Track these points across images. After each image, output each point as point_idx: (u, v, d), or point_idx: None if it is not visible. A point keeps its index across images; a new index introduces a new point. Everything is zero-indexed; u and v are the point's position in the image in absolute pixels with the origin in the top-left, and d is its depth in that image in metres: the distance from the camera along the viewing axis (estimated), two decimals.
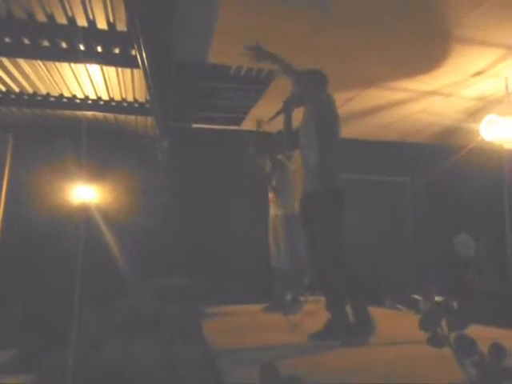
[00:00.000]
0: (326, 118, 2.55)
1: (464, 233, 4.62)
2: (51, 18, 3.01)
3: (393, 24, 3.26)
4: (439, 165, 5.78)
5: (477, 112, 4.88)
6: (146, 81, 3.59)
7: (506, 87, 4.17)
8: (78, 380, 1.23)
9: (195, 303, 3.06)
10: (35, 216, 4.77)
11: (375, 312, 2.50)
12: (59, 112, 4.70)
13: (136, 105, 4.67)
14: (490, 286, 4.32)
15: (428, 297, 3.73)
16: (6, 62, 3.57)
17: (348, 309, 2.46)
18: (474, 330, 1.10)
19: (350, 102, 4.75)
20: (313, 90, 2.66)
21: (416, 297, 3.93)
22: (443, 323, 1.16)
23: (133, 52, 3.32)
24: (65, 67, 3.72)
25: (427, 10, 3.09)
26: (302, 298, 3.96)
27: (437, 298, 3.93)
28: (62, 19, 3.03)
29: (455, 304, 3.24)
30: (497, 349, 1.31)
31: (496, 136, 4.08)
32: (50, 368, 1.59)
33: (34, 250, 4.84)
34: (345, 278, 2.45)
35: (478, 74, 4.09)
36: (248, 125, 5.35)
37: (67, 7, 2.88)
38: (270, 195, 4.03)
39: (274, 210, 3.99)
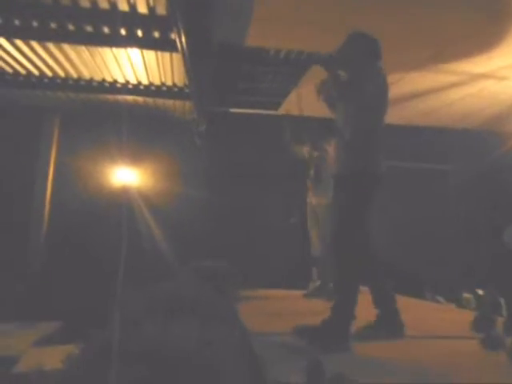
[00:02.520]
0: (375, 97, 2.29)
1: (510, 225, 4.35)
2: (94, 3, 3.05)
3: (442, 2, 3.05)
4: (488, 153, 5.46)
5: None
6: (185, 65, 3.59)
7: None
8: (120, 355, 1.27)
9: (233, 286, 3.09)
10: (80, 195, 4.99)
11: (414, 303, 2.41)
12: (102, 96, 4.82)
13: (175, 89, 4.71)
14: None
15: (487, 295, 3.56)
16: (51, 47, 3.67)
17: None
18: None
19: (392, 85, 4.53)
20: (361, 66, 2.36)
21: (465, 294, 3.76)
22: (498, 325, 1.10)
23: (172, 36, 3.32)
24: (107, 52, 3.79)
25: None
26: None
27: (481, 292, 3.76)
28: (104, 4, 3.07)
29: (502, 300, 3.10)
30: None
31: None
32: (95, 340, 1.65)
33: (79, 229, 5.06)
34: (371, 267, 2.28)
35: None
36: (286, 109, 5.27)
37: None
38: (309, 183, 3.96)
39: (312, 198, 3.93)
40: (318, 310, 3.05)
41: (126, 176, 5.30)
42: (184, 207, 5.05)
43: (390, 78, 4.43)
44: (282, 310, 3.12)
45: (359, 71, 2.36)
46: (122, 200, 4.78)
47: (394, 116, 5.07)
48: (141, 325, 1.70)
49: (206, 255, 3.44)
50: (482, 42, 3.61)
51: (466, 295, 3.91)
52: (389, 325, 2.23)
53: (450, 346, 2.12)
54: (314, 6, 3.13)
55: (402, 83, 4.49)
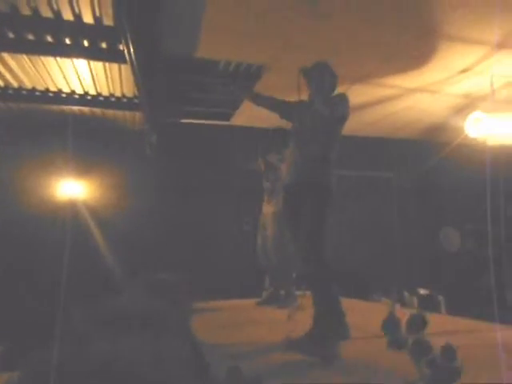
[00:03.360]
0: (337, 119, 2.46)
1: (448, 227, 4.70)
2: (36, 11, 2.96)
3: (380, 20, 3.28)
4: (425, 161, 5.86)
5: (463, 109, 4.95)
6: (134, 76, 3.56)
7: (491, 85, 4.23)
8: (65, 377, 1.23)
9: (184, 299, 3.07)
10: (21, 212, 4.72)
11: (360, 305, 2.54)
12: (45, 107, 4.64)
13: (124, 100, 4.63)
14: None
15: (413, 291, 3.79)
16: None
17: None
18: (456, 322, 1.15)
19: None
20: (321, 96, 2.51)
21: (407, 294, 3.99)
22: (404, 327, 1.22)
23: (120, 46, 3.29)
24: (50, 61, 3.67)
25: (414, 8, 3.12)
26: (295, 292, 3.96)
27: (422, 292, 4.01)
28: (47, 13, 2.99)
29: (441, 298, 3.33)
30: (448, 350, 1.40)
31: (480, 133, 4.15)
32: (36, 365, 1.58)
33: (20, 247, 4.79)
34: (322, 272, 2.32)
35: (464, 71, 4.15)
36: (238, 120, 5.35)
37: (53, 1, 2.84)
38: (265, 193, 4.04)
39: (266, 209, 4.01)
40: (272, 318, 3.12)
41: (72, 189, 5.11)
42: (133, 219, 4.94)
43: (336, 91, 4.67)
44: (235, 321, 3.14)
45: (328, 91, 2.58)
46: (67, 214, 4.60)
47: None
48: (89, 342, 1.65)
49: (157, 267, 3.40)
50: (415, 58, 3.91)
51: (407, 295, 4.15)
52: (335, 327, 2.26)
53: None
54: (263, 19, 3.24)
55: None
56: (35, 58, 3.58)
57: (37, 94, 4.38)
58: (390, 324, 1.72)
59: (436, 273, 4.53)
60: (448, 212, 5.59)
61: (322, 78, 2.57)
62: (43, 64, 3.71)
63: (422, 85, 4.47)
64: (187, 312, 2.77)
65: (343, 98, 2.52)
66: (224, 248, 5.23)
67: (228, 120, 5.46)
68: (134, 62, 3.24)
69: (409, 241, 5.80)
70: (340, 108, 2.45)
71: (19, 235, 4.76)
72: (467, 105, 4.89)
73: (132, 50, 3.06)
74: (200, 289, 3.42)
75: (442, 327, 2.63)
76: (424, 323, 1.62)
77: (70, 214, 4.80)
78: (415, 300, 4.22)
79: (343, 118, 2.49)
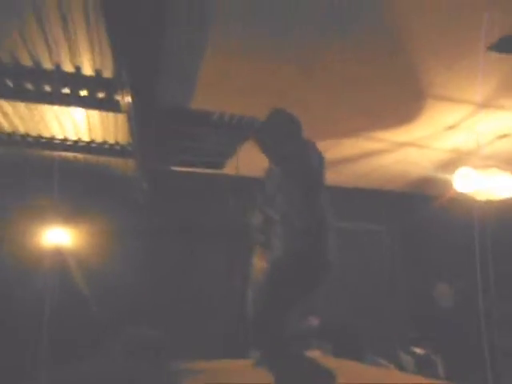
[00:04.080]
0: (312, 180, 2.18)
1: (441, 282, 4.65)
2: (37, 63, 3.02)
3: (371, 79, 3.43)
4: (415, 213, 5.91)
5: (451, 163, 5.07)
6: (130, 125, 3.60)
7: (477, 141, 4.37)
8: None
9: (171, 359, 2.88)
10: (6, 261, 4.55)
11: (356, 367, 2.41)
12: (37, 152, 4.62)
13: (117, 147, 4.66)
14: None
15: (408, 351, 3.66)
16: None
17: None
18: None
19: (327, 151, 4.85)
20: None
21: (400, 353, 3.84)
22: None
23: (117, 97, 3.35)
24: (46, 108, 3.71)
25: (404, 69, 3.28)
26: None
27: (418, 351, 3.87)
28: (47, 64, 3.05)
29: (437, 358, 3.21)
30: None
31: (468, 188, 4.22)
32: None
33: (3, 297, 4.56)
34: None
35: (451, 128, 4.30)
36: (230, 170, 5.39)
37: (54, 53, 2.92)
38: (258, 247, 3.94)
39: (258, 263, 3.87)
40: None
41: (60, 237, 4.98)
42: (122, 269, 4.79)
43: (327, 144, 4.79)
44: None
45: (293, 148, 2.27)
46: (54, 263, 4.45)
47: (330, 179, 5.38)
48: None
49: (143, 321, 3.25)
50: (403, 115, 4.05)
51: (402, 355, 4.00)
52: None
53: None
54: (256, 74, 3.35)
55: (336, 149, 4.82)
56: (31, 105, 3.62)
57: (29, 139, 4.38)
58: None
59: (431, 331, 4.41)
60: (440, 266, 5.56)
61: (274, 136, 2.29)
62: (39, 111, 3.74)
63: (410, 140, 4.61)
64: (177, 374, 2.59)
65: (306, 148, 2.23)
66: (213, 302, 5.05)
67: (220, 169, 5.50)
68: (131, 113, 3.29)
69: (401, 297, 5.70)
70: (304, 162, 2.15)
71: (2, 285, 4.55)
72: (455, 159, 5.02)
73: (129, 100, 3.12)
74: (187, 346, 3.23)
75: None
76: None
77: (56, 263, 4.64)
78: (411, 360, 4.07)
79: (314, 171, 2.20)
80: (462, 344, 4.23)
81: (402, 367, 3.97)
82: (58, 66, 3.07)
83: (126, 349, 2.67)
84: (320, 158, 2.29)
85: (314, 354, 2.97)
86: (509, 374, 3.01)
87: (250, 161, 4.98)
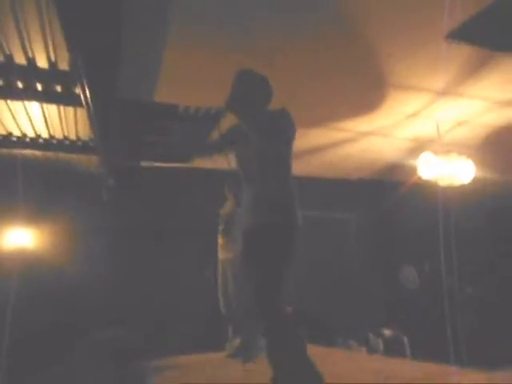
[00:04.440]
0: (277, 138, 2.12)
1: (407, 265, 4.80)
2: None
3: (333, 69, 3.46)
4: (381, 201, 6.06)
5: (413, 151, 5.22)
6: (90, 119, 3.48)
7: (438, 128, 4.51)
8: None
9: (138, 357, 2.82)
10: None
11: (328, 352, 2.46)
12: None
13: (79, 143, 4.51)
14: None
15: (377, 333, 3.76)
16: None
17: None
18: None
19: (296, 141, 4.90)
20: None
21: (370, 335, 3.95)
22: None
23: (76, 90, 3.23)
24: (1, 104, 3.53)
25: (365, 58, 3.32)
26: (259, 343, 3.73)
27: (387, 332, 3.99)
28: None
29: (405, 339, 3.31)
30: None
31: (431, 173, 4.36)
32: None
33: None
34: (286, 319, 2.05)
35: (412, 116, 4.41)
36: (198, 163, 5.33)
37: (4, 45, 2.77)
38: (219, 239, 3.96)
39: (223, 254, 3.90)
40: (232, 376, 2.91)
41: (22, 236, 4.79)
42: (88, 268, 4.66)
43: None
44: (197, 379, 2.92)
45: (258, 113, 2.22)
46: (15, 265, 4.27)
47: (296, 168, 5.42)
48: None
49: (111, 320, 3.16)
50: (366, 105, 4.12)
51: (372, 336, 4.11)
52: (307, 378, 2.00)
53: None
54: (221, 64, 3.31)
55: (303, 139, 4.85)
56: None
57: None
58: None
59: (398, 312, 4.56)
60: (406, 250, 5.73)
61: (245, 91, 2.22)
62: None
63: (374, 129, 4.70)
64: (146, 372, 2.54)
65: (282, 113, 2.17)
66: (184, 296, 5.00)
67: (188, 162, 5.42)
68: (90, 105, 3.18)
69: (369, 281, 5.84)
70: (278, 125, 2.13)
71: None
72: (417, 147, 5.16)
73: (88, 93, 3.01)
74: (158, 343, 3.17)
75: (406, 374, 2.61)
76: None
77: (17, 265, 4.46)
78: (380, 342, 4.19)
79: (287, 136, 2.17)
80: (427, 324, 4.40)
81: (371, 349, 4.09)
82: (9, 59, 2.92)
83: (92, 350, 2.60)
84: (293, 125, 2.23)
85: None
86: (470, 353, 3.17)
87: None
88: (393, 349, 3.94)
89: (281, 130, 2.14)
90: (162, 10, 2.70)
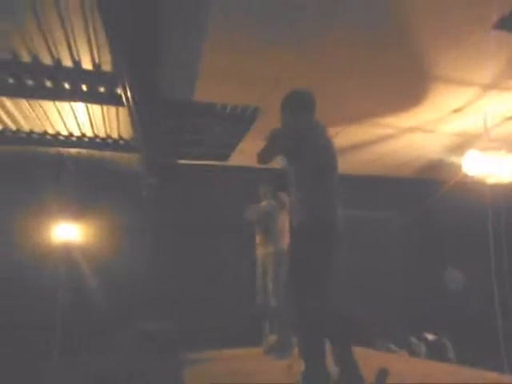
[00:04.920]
0: (315, 149, 2.35)
1: (452, 267, 4.59)
2: (36, 58, 3.02)
3: (375, 63, 3.35)
4: (425, 199, 5.83)
5: (458, 147, 4.98)
6: (132, 119, 3.59)
7: (485, 124, 4.28)
8: None
9: (180, 349, 2.89)
10: (15, 256, 4.60)
11: (367, 354, 2.39)
12: (43, 149, 4.65)
13: (121, 142, 4.66)
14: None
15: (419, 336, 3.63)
16: None
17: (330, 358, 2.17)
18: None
19: (334, 138, 4.80)
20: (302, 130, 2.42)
21: (412, 338, 3.82)
22: None
23: (118, 90, 3.34)
24: (49, 105, 3.72)
25: (408, 51, 3.20)
26: (294, 341, 3.70)
27: (429, 337, 3.84)
28: (47, 60, 3.04)
29: (449, 343, 3.18)
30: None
31: (477, 171, 4.14)
32: None
33: (14, 292, 4.61)
34: (327, 320, 2.19)
35: (457, 111, 4.20)
36: (235, 160, 5.37)
37: (52, 48, 2.90)
38: (258, 235, 3.97)
39: (263, 249, 3.90)
40: (270, 371, 2.91)
41: (67, 232, 5.02)
42: (130, 264, 4.82)
43: (332, 131, 4.71)
44: (234, 372, 2.94)
45: (295, 126, 2.44)
46: (61, 259, 4.48)
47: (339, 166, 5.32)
48: None
49: (151, 315, 3.25)
50: (409, 99, 3.97)
51: (414, 341, 3.97)
52: (350, 379, 2.11)
53: None
54: (258, 64, 3.31)
55: (342, 135, 4.76)
56: (33, 102, 3.63)
57: (34, 136, 4.41)
58: None
59: (443, 315, 4.36)
60: (451, 251, 5.49)
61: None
62: (41, 107, 3.75)
63: (417, 124, 4.52)
64: (182, 365, 2.60)
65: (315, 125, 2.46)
66: (223, 291, 5.06)
67: (225, 161, 5.48)
68: (132, 106, 3.27)
69: (413, 282, 5.65)
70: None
71: (11, 281, 4.60)
72: (463, 143, 4.93)
73: (130, 94, 3.10)
74: (197, 337, 3.23)
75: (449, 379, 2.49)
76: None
77: (64, 258, 4.68)
78: (423, 346, 4.04)
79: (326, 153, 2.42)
80: (475, 328, 4.19)
81: (413, 352, 3.95)
82: (57, 62, 3.06)
83: (135, 342, 2.69)
84: (330, 141, 2.48)
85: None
86: None
87: (253, 150, 4.97)
88: (435, 353, 3.79)
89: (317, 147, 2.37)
90: (200, 11, 2.72)
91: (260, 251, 3.94)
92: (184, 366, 2.74)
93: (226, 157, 5.41)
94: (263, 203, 4.00)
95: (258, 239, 3.98)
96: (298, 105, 2.51)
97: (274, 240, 3.74)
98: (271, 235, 3.79)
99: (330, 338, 2.18)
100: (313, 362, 2.16)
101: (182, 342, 3.03)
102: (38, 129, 4.29)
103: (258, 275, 3.90)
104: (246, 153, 5.01)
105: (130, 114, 3.52)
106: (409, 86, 3.71)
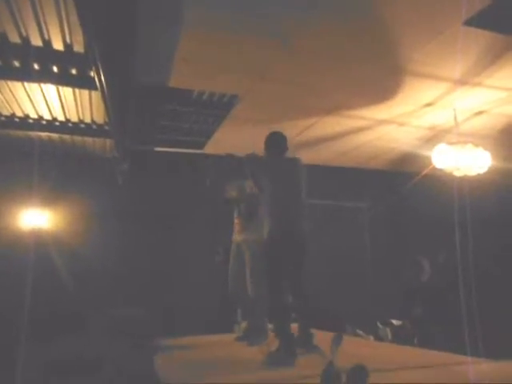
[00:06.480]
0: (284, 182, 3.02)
1: (420, 256, 4.75)
2: (3, 36, 2.90)
3: (350, 56, 3.40)
4: (396, 190, 5.99)
5: (429, 140, 5.13)
6: (105, 103, 3.51)
7: (455, 118, 4.42)
8: None
9: (150, 336, 2.89)
10: None
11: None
12: (11, 132, 4.49)
13: (94, 126, 4.55)
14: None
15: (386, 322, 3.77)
16: None
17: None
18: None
19: (308, 129, 4.86)
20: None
21: (380, 325, 3.96)
22: None
23: (91, 73, 3.25)
24: (17, 86, 3.58)
25: (382, 45, 3.25)
26: (267, 327, 3.61)
27: (395, 323, 4.00)
28: (14, 38, 2.93)
29: (414, 329, 3.32)
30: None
31: (446, 164, 4.29)
32: None
33: None
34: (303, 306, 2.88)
35: (429, 105, 4.32)
36: (211, 149, 5.34)
37: (21, 26, 2.80)
38: (237, 220, 3.80)
39: (241, 235, 3.77)
40: (240, 357, 2.94)
41: (37, 218, 4.89)
42: (102, 250, 4.76)
43: (307, 122, 4.76)
44: (205, 359, 2.96)
45: (268, 164, 3.15)
46: (30, 245, 4.37)
47: (310, 157, 5.38)
48: None
49: (123, 301, 3.24)
50: (382, 92, 4.05)
51: (381, 326, 4.12)
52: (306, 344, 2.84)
53: None
54: (236, 50, 3.29)
55: (317, 126, 4.81)
56: (1, 82, 3.49)
57: (1, 119, 4.25)
58: (329, 375, 1.63)
59: (408, 303, 4.54)
60: (419, 241, 5.68)
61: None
62: (9, 88, 3.61)
63: (390, 117, 4.62)
64: (152, 351, 2.60)
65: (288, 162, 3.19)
66: (195, 279, 5.07)
67: (201, 148, 5.44)
68: (105, 89, 3.20)
69: (381, 271, 5.82)
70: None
71: None
72: (433, 136, 5.07)
73: (103, 76, 3.02)
74: (167, 323, 3.24)
75: (414, 361, 2.60)
76: (365, 375, 1.58)
77: (33, 244, 4.57)
78: (389, 331, 4.20)
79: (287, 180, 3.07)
80: (440, 315, 4.37)
81: (379, 337, 4.11)
82: (25, 40, 2.95)
83: (105, 329, 2.67)
84: (299, 171, 3.13)
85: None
86: (487, 344, 3.13)
87: (230, 139, 4.97)
88: (400, 339, 3.95)
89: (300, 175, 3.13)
90: None
91: (238, 236, 3.78)
92: (155, 352, 2.74)
93: (201, 144, 5.37)
94: (249, 182, 3.62)
95: (236, 224, 3.77)
96: (271, 144, 3.19)
97: (256, 226, 3.46)
98: (253, 221, 3.60)
99: (296, 312, 2.96)
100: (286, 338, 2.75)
101: (153, 328, 3.02)
102: (5, 111, 4.13)
103: (231, 262, 3.80)
104: (222, 141, 5.00)
105: (103, 99, 3.43)
106: (382, 79, 3.79)
